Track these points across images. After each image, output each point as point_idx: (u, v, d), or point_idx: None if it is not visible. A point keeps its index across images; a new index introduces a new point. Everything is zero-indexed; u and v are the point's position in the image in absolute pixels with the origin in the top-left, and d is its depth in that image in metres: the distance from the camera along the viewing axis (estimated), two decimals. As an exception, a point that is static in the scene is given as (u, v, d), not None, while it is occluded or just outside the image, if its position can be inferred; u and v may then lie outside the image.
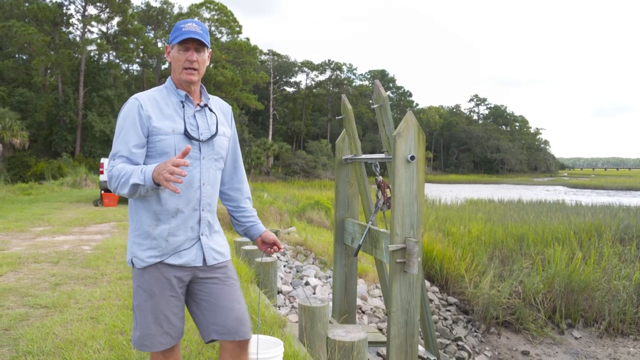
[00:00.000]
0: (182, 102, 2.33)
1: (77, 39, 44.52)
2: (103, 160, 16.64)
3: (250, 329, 2.44)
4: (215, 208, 2.44)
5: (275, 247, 2.60)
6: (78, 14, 44.19)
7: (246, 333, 2.40)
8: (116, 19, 45.78)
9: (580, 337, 8.26)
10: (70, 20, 44.27)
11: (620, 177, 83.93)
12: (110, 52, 47.36)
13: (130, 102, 2.28)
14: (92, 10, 44.17)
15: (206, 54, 2.36)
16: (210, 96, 2.47)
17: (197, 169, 2.30)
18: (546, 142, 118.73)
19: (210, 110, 2.41)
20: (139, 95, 2.29)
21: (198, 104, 2.38)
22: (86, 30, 44.57)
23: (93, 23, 45.00)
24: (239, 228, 2.64)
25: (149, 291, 2.27)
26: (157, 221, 2.26)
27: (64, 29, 43.61)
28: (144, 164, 2.23)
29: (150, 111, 2.25)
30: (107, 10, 44.21)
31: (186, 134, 2.27)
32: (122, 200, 17.68)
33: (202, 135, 2.32)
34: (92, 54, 44.86)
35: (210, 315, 2.37)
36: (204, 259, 2.35)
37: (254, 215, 2.64)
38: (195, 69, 2.30)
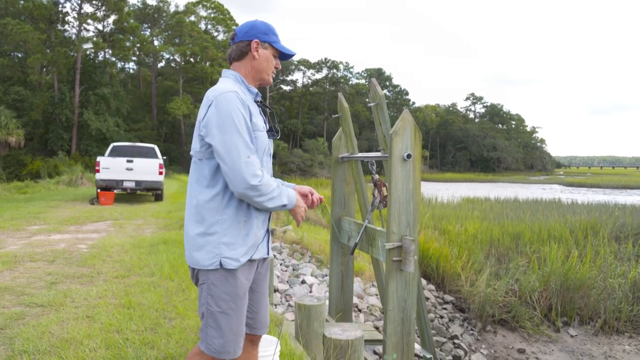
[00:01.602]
0: (255, 99, 2.39)
1: (73, 37, 44.36)
2: (99, 158, 16.54)
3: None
4: None
5: (315, 196, 2.52)
6: (74, 12, 44.03)
7: (266, 328, 2.54)
8: (112, 17, 45.65)
9: (576, 335, 8.29)
10: (66, 18, 44.10)
11: (615, 176, 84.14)
12: (107, 50, 47.28)
13: (232, 96, 2.21)
14: (88, 8, 44.03)
15: None
16: None
17: (269, 163, 2.40)
18: (542, 141, 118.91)
19: (268, 108, 2.51)
20: (235, 88, 2.26)
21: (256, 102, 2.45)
22: (82, 28, 44.42)
23: (89, 21, 44.84)
24: None
25: (237, 295, 2.26)
26: (247, 216, 2.28)
27: (59, 27, 43.43)
28: None
29: (250, 106, 2.28)
30: (103, 8, 44.07)
31: (270, 132, 2.37)
32: (118, 199, 17.65)
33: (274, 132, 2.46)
34: (88, 52, 44.72)
35: (250, 310, 2.42)
36: (268, 251, 2.44)
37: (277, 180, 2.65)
38: None
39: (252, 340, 2.45)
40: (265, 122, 2.36)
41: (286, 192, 2.27)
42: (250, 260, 2.31)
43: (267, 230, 2.40)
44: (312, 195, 2.51)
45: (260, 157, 2.27)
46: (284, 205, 2.25)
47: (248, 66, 2.35)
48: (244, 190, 2.13)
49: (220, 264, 2.23)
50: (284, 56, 2.43)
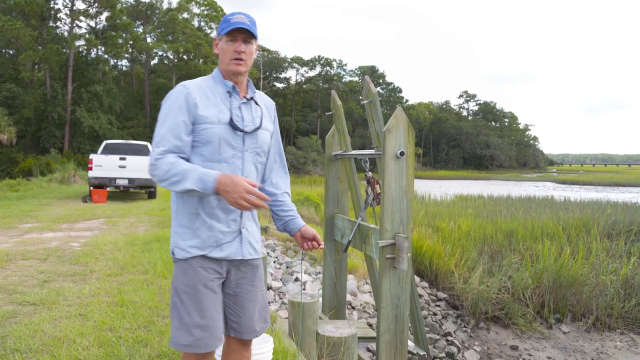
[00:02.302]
0: (228, 92, 2.33)
1: (65, 34, 44.13)
2: (92, 156, 16.49)
3: (269, 324, 2.47)
4: None
5: (314, 243, 2.52)
6: (66, 9, 43.86)
7: (263, 329, 2.44)
8: (105, 14, 45.45)
9: (568, 332, 8.33)
10: (58, 15, 43.92)
11: (608, 173, 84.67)
12: (99, 47, 47.02)
13: (177, 89, 2.27)
14: (80, 4, 44.05)
15: (254, 46, 2.36)
16: (256, 91, 2.47)
17: (239, 160, 2.30)
18: (535, 138, 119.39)
19: (256, 103, 2.42)
20: (186, 83, 2.29)
21: (244, 97, 2.38)
22: (74, 25, 44.21)
23: (81, 18, 44.67)
24: (278, 222, 2.59)
25: (195, 287, 2.22)
26: (198, 212, 2.24)
27: (51, 24, 43.21)
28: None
29: (197, 99, 2.24)
30: (96, 5, 43.88)
31: (231, 124, 2.27)
32: (111, 197, 17.59)
33: (247, 127, 2.32)
34: (80, 49, 44.50)
35: (233, 314, 2.36)
36: (242, 253, 2.35)
37: (293, 209, 2.58)
38: (242, 60, 2.30)
39: (243, 342, 2.43)
40: (233, 115, 2.29)
41: (196, 176, 2.08)
42: (210, 258, 2.26)
43: (239, 231, 2.33)
44: (312, 241, 2.51)
45: (215, 149, 2.23)
46: (194, 191, 2.09)
47: (219, 63, 2.38)
48: (153, 176, 2.18)
49: (173, 253, 2.28)
50: (241, 32, 2.30)
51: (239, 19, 2.29)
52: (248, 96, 2.40)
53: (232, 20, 2.29)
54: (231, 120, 2.27)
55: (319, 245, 2.52)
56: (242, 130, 2.29)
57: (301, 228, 2.52)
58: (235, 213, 2.31)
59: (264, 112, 2.44)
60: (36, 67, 42.47)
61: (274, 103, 2.58)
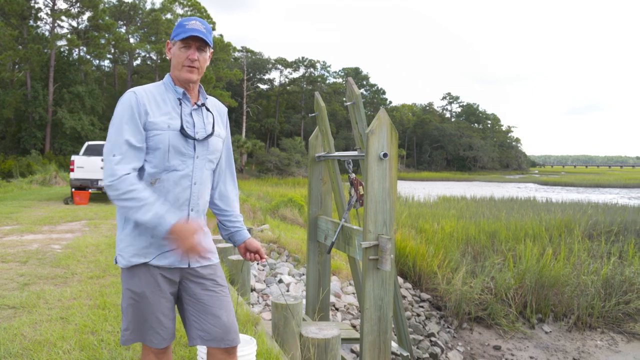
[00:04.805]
0: (179, 99, 2.30)
1: (47, 33, 43.62)
2: (74, 157, 16.31)
3: (238, 335, 2.40)
4: (204, 209, 2.41)
5: (257, 256, 2.56)
6: (47, 8, 43.32)
7: (232, 340, 2.36)
8: (87, 14, 44.99)
9: (550, 332, 8.41)
10: (39, 14, 43.36)
11: (589, 175, 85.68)
12: (81, 47, 46.55)
13: (127, 95, 2.23)
14: (61, 4, 43.44)
15: (208, 54, 2.34)
16: (208, 96, 2.45)
17: (189, 167, 2.27)
18: (517, 140, 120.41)
19: (207, 109, 2.39)
20: (136, 89, 2.26)
21: (195, 103, 2.36)
22: (56, 24, 43.73)
23: (63, 18, 44.17)
24: (224, 232, 2.60)
25: (139, 293, 2.23)
26: None
27: (32, 23, 42.68)
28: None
29: (147, 105, 2.21)
30: (78, 4, 43.45)
31: (182, 131, 2.24)
32: (93, 199, 17.43)
33: (198, 134, 2.30)
34: (62, 50, 44.02)
35: (196, 322, 2.33)
36: (188, 261, 2.31)
37: (240, 221, 2.59)
38: (195, 67, 2.28)
39: (227, 350, 2.40)
40: (184, 122, 2.26)
41: (158, 213, 2.09)
42: (154, 266, 2.25)
43: None
44: (256, 254, 2.57)
45: (164, 156, 2.21)
46: (145, 225, 2.12)
47: (171, 69, 2.36)
48: (105, 186, 2.14)
49: (116, 261, 2.30)
50: (196, 39, 2.28)
51: (194, 26, 2.27)
52: (199, 102, 2.38)
53: (188, 27, 2.26)
54: (182, 127, 2.25)
55: (262, 258, 2.59)
56: (192, 138, 2.27)
57: (246, 240, 2.57)
58: (180, 220, 2.28)
59: (215, 118, 2.42)
60: (16, 67, 41.94)
61: (226, 109, 2.56)
